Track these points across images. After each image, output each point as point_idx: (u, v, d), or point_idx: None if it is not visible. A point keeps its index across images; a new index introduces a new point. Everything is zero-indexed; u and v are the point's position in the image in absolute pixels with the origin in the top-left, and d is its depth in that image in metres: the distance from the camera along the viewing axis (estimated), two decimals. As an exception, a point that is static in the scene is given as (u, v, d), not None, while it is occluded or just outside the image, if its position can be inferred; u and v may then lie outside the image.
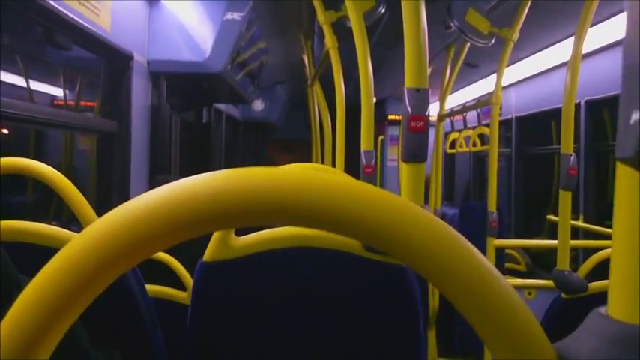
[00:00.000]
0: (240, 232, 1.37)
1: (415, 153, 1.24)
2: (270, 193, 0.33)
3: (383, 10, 2.57)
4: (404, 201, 0.35)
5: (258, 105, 7.85)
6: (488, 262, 0.34)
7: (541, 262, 4.34)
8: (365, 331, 1.37)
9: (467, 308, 0.34)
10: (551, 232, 4.41)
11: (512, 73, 5.06)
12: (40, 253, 1.17)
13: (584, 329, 0.39)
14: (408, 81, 1.21)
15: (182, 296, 2.11)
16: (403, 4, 1.20)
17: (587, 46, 2.11)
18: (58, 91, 3.99)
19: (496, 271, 0.34)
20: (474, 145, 6.03)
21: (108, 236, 0.33)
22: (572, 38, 2.05)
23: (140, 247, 0.33)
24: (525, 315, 0.34)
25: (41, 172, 1.32)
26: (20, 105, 2.20)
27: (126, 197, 2.92)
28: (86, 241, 0.33)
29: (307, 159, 6.50)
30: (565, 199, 2.08)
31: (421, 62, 1.19)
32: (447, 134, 6.56)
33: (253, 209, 0.33)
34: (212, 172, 0.35)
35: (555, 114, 4.34)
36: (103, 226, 0.33)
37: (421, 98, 1.21)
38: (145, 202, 0.34)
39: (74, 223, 1.42)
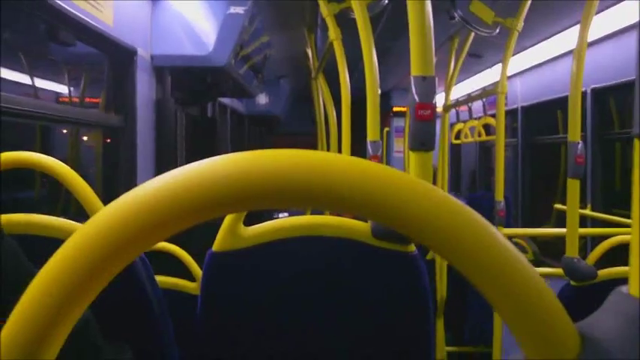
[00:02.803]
0: (248, 223, 1.38)
1: (422, 141, 1.23)
2: (291, 174, 0.33)
3: (386, 1, 2.56)
4: (429, 185, 0.34)
5: (262, 99, 7.86)
6: (511, 245, 0.34)
7: (548, 251, 4.34)
8: (374, 319, 1.37)
9: (488, 288, 0.34)
10: (559, 221, 4.40)
11: (517, 62, 5.04)
12: (49, 245, 1.18)
13: (605, 309, 0.39)
14: (414, 69, 1.20)
15: (191, 287, 2.12)
16: None
17: (592, 34, 2.10)
18: (62, 89, 4.00)
19: (518, 253, 0.34)
20: (479, 135, 6.02)
21: (115, 223, 0.32)
22: (577, 27, 2.04)
23: (149, 233, 0.33)
24: (547, 295, 0.34)
25: (50, 165, 1.32)
26: (27, 101, 2.20)
27: (133, 190, 2.93)
28: (93, 229, 0.33)
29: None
30: (573, 187, 2.07)
31: (427, 50, 1.18)
32: (452, 125, 6.55)
33: (270, 191, 0.33)
34: (221, 156, 0.34)
35: (561, 103, 4.33)
36: (109, 214, 0.33)
37: (428, 86, 1.20)
38: (153, 187, 0.33)
39: (81, 218, 1.42)
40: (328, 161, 0.33)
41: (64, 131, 4.32)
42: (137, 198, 0.33)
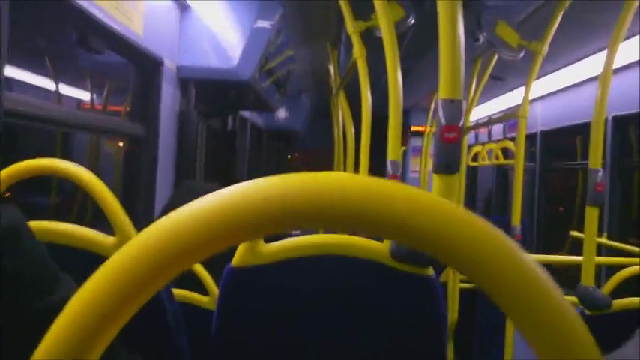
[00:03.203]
0: (267, 239, 1.38)
1: (448, 164, 1.24)
2: (323, 197, 0.33)
3: (412, 20, 2.57)
4: (455, 205, 0.35)
5: (281, 113, 7.87)
6: (542, 269, 0.34)
7: (560, 279, 4.31)
8: (390, 340, 1.37)
9: (516, 312, 0.34)
10: (573, 248, 4.37)
11: (539, 86, 5.02)
12: (72, 254, 1.19)
13: (632, 344, 0.40)
14: (442, 92, 1.21)
15: (204, 300, 2.11)
16: (440, 12, 1.20)
17: (616, 61, 2.10)
18: (84, 95, 4.04)
19: (549, 278, 0.34)
20: (497, 158, 6.00)
21: (161, 241, 0.34)
22: (599, 53, 2.04)
23: (191, 253, 0.34)
24: (578, 324, 0.34)
25: (77, 174, 1.30)
26: (51, 107, 2.23)
27: (152, 200, 2.95)
28: (136, 248, 0.34)
29: (329, 168, 6.50)
30: (591, 215, 2.06)
31: (456, 73, 1.19)
32: (469, 147, 6.53)
33: (303, 214, 0.33)
34: (264, 178, 0.35)
35: (580, 129, 4.31)
36: (156, 232, 0.34)
37: (455, 109, 1.21)
38: (198, 208, 0.34)
39: (97, 226, 1.42)
40: (353, 183, 0.34)
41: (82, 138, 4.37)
42: (183, 217, 0.34)
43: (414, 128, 9.60)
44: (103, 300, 0.34)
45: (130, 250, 0.34)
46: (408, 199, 0.34)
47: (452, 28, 1.19)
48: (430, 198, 0.34)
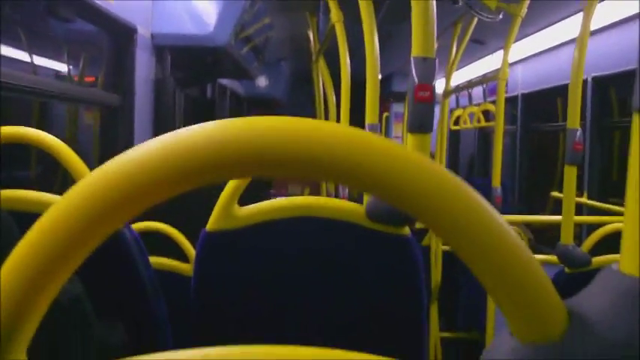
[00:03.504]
0: (242, 203, 1.38)
1: (421, 123, 1.23)
2: (287, 140, 0.32)
3: None
4: (430, 161, 0.34)
5: (262, 81, 7.82)
6: (504, 221, 0.34)
7: (543, 239, 4.35)
8: (368, 301, 1.38)
9: (478, 263, 0.34)
10: (555, 209, 4.42)
11: (519, 49, 5.02)
12: None
13: (595, 286, 0.39)
14: (415, 50, 1.19)
15: (184, 268, 2.11)
16: None
17: (595, 23, 2.09)
18: (61, 67, 3.98)
19: (512, 231, 0.34)
20: (478, 121, 6.01)
21: (99, 188, 0.32)
22: (579, 15, 2.03)
23: (132, 199, 0.32)
24: (536, 272, 0.34)
25: (48, 142, 1.31)
26: (26, 77, 2.19)
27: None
28: (76, 195, 0.32)
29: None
30: (570, 174, 2.07)
31: (428, 30, 1.18)
32: (451, 111, 6.53)
33: (265, 158, 0.31)
34: (211, 122, 0.33)
35: (561, 91, 4.32)
36: (93, 180, 0.32)
37: (428, 67, 1.20)
38: (138, 153, 0.33)
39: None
40: (330, 130, 0.33)
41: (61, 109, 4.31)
42: (122, 163, 0.32)
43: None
44: (41, 253, 0.32)
45: (75, 192, 0.32)
46: (384, 152, 0.33)
47: None
48: (405, 151, 0.33)
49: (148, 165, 0.32)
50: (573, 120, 2.05)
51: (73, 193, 0.32)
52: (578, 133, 2.05)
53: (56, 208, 0.32)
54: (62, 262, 0.32)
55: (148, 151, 0.32)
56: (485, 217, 0.33)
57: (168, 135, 0.33)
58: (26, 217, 1.03)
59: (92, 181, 0.32)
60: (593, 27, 2.06)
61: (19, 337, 0.33)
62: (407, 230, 1.37)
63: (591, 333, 0.35)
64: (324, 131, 0.32)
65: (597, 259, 1.98)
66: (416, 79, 1.21)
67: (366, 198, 1.40)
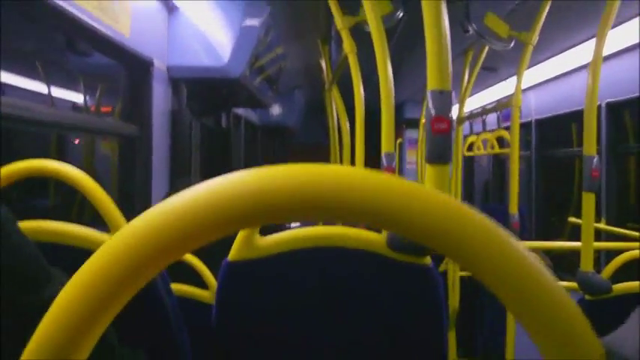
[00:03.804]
0: (262, 233, 1.39)
1: (439, 154, 1.24)
2: (314, 188, 0.33)
3: (401, 14, 2.57)
4: (447, 196, 0.35)
5: (276, 109, 7.87)
6: (532, 256, 0.34)
7: (561, 265, 4.31)
8: (389, 330, 1.38)
9: (510, 299, 0.34)
10: (572, 234, 4.38)
11: (531, 75, 5.02)
12: (69, 253, 1.19)
13: (631, 325, 0.39)
14: (431, 83, 1.21)
15: (204, 295, 2.12)
16: (424, 4, 1.20)
17: (607, 49, 2.09)
18: (77, 98, 4.04)
19: (540, 263, 0.34)
20: (492, 147, 6.01)
21: (145, 234, 0.33)
22: (591, 40, 2.04)
23: (178, 245, 0.33)
24: (571, 308, 0.34)
25: (70, 174, 1.30)
26: (44, 109, 2.22)
27: (148, 199, 2.95)
28: (123, 239, 0.33)
29: (326, 162, 6.49)
30: (588, 201, 2.07)
31: (443, 64, 1.19)
32: (465, 137, 6.53)
33: (295, 205, 0.33)
34: (244, 171, 0.35)
35: (575, 116, 4.31)
36: (140, 226, 0.33)
37: (444, 100, 1.21)
38: (183, 200, 0.34)
39: (96, 226, 1.42)
40: (349, 175, 0.34)
41: (76, 142, 4.36)
42: (168, 209, 0.34)
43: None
44: (90, 295, 0.33)
45: (118, 241, 0.34)
46: (402, 192, 0.34)
47: (437, 19, 1.19)
48: (422, 189, 0.34)
49: (197, 210, 0.33)
50: (589, 147, 2.05)
51: (124, 235, 0.34)
52: (595, 159, 2.04)
53: (107, 249, 0.34)
54: (109, 303, 0.33)
55: (196, 196, 0.34)
56: (512, 251, 0.33)
57: (212, 182, 0.34)
58: (50, 248, 1.04)
59: (141, 224, 0.34)
60: (606, 52, 2.06)
61: None
62: (428, 260, 1.37)
63: None
64: (351, 177, 0.34)
65: (618, 287, 1.96)
66: (433, 112, 1.22)
67: None
